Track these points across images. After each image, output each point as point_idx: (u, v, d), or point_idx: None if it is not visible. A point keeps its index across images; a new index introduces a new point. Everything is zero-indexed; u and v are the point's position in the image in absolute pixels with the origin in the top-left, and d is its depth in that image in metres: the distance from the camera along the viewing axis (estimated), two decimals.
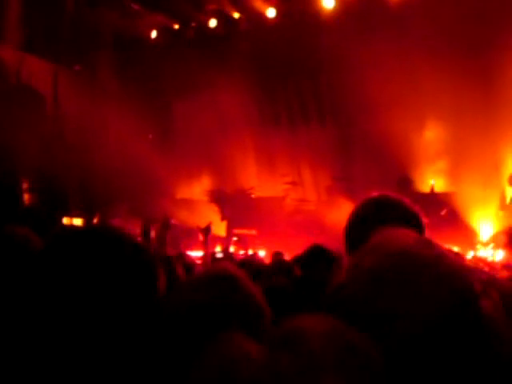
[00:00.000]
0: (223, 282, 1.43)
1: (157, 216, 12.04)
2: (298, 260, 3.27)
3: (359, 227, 1.78)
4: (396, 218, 1.74)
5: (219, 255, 6.82)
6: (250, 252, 10.81)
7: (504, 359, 0.96)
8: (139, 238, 11.24)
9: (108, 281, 1.27)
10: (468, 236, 9.93)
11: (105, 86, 13.46)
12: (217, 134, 14.65)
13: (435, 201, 10.73)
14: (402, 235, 0.96)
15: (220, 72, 13.89)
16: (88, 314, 1.25)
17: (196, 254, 11.26)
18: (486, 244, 9.59)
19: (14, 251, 2.03)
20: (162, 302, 1.44)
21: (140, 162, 12.36)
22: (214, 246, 11.56)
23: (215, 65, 13.91)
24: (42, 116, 13.11)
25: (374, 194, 1.98)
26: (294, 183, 12.68)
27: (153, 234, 10.91)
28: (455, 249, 9.36)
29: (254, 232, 12.24)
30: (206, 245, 6.91)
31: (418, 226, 1.80)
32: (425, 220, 1.84)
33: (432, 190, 11.21)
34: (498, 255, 8.83)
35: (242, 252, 11.57)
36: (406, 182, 11.50)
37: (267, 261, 7.42)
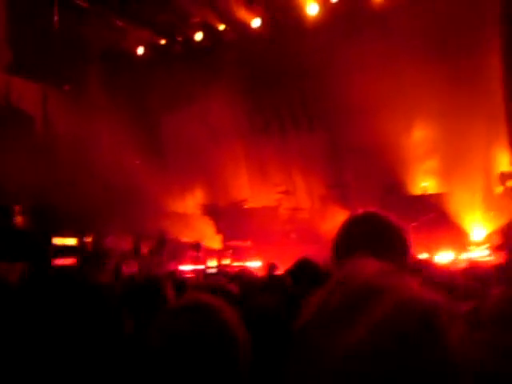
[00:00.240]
0: (195, 313, 1.44)
1: (150, 232, 12.01)
2: (288, 273, 3.26)
3: (345, 246, 1.79)
4: (380, 235, 1.74)
5: (212, 270, 6.78)
6: (247, 264, 10.78)
7: None
8: (131, 255, 11.25)
9: (69, 322, 1.40)
10: (460, 237, 9.94)
11: (94, 103, 13.46)
12: (207, 145, 14.65)
13: (427, 203, 10.74)
14: (369, 270, 0.94)
15: (208, 84, 13.94)
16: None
17: (190, 268, 11.24)
18: (479, 245, 9.59)
19: None
20: (140, 333, 1.46)
21: (131, 178, 12.34)
22: (208, 260, 11.53)
23: (203, 77, 13.95)
24: (32, 137, 13.09)
25: (360, 210, 1.99)
26: (286, 192, 12.67)
27: (145, 250, 10.88)
28: (447, 252, 9.40)
29: (248, 243, 12.21)
30: (196, 261, 6.87)
31: (403, 244, 1.80)
32: (410, 237, 1.83)
33: (424, 192, 11.23)
34: (492, 255, 8.84)
35: (237, 264, 11.55)
36: (397, 186, 11.51)
37: (262, 272, 7.41)
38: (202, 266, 10.27)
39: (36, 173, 11.47)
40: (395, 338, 0.80)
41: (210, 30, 12.90)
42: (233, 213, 12.82)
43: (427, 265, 2.63)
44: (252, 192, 14.03)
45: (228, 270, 8.96)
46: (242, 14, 12.77)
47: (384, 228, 1.75)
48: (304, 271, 2.83)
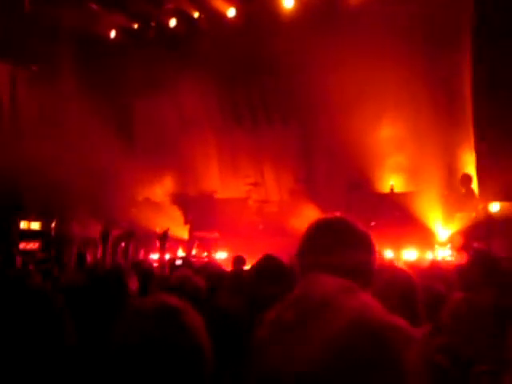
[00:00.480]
0: (161, 318, 1.43)
1: (117, 219, 11.89)
2: (252, 271, 3.25)
3: (310, 251, 1.78)
4: (345, 241, 1.74)
5: (178, 262, 6.76)
6: (213, 254, 10.77)
7: None
8: (96, 242, 11.13)
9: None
10: (426, 236, 10.08)
11: (64, 85, 13.21)
12: (178, 134, 14.55)
13: (394, 201, 10.87)
14: (326, 288, 0.94)
15: (181, 72, 13.80)
16: None
17: (157, 257, 11.17)
18: (443, 245, 9.75)
19: None
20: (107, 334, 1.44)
21: (100, 163, 12.18)
22: (175, 250, 11.47)
23: (176, 64, 13.81)
24: None
25: (327, 214, 1.98)
26: (256, 184, 12.67)
27: (111, 238, 10.75)
28: (412, 251, 9.54)
29: (216, 234, 12.19)
30: (163, 251, 6.83)
31: (368, 250, 1.79)
32: (374, 243, 1.83)
33: (391, 190, 11.36)
34: (454, 256, 9.00)
35: (205, 254, 11.53)
36: (365, 183, 11.62)
37: (229, 263, 7.39)
38: (168, 256, 10.19)
39: (2, 155, 11.24)
40: (347, 357, 0.80)
41: (184, 17, 12.74)
42: (202, 203, 12.78)
43: (391, 268, 2.65)
44: (222, 183, 14.01)
45: (195, 261, 8.91)
46: (217, 2, 12.65)
47: (350, 234, 1.75)
48: (267, 270, 2.83)
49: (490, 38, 9.16)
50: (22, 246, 11.22)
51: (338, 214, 1.90)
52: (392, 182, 11.55)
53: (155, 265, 8.29)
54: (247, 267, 6.47)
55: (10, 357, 1.45)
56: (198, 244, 11.99)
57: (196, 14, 12.52)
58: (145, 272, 5.04)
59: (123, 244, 10.33)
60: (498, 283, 3.41)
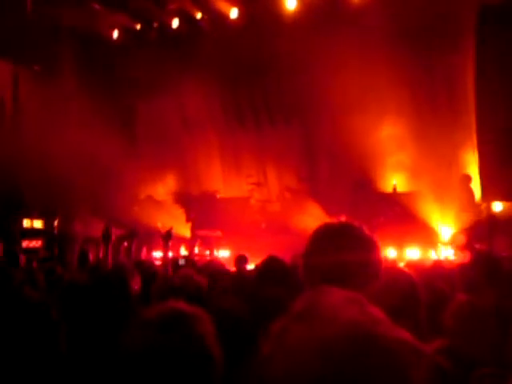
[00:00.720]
0: (172, 327, 1.41)
1: (120, 218, 11.91)
2: (255, 272, 3.26)
3: (315, 254, 1.77)
4: (351, 245, 1.74)
5: (181, 262, 6.77)
6: (216, 253, 10.78)
7: None
8: (98, 241, 11.15)
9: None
10: (429, 236, 10.08)
11: (66, 86, 13.22)
12: (181, 134, 14.55)
13: (397, 201, 10.87)
14: (333, 301, 0.93)
15: (183, 72, 13.79)
16: None
17: (160, 255, 11.19)
18: (446, 244, 9.75)
19: None
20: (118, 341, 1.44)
21: (103, 162, 12.18)
22: (178, 248, 11.49)
23: (178, 65, 13.80)
24: (1, 117, 12.83)
25: (331, 220, 1.98)
26: (258, 184, 12.67)
27: (114, 236, 10.79)
28: (414, 250, 9.54)
29: (218, 233, 12.20)
30: (166, 250, 6.81)
31: (374, 253, 1.79)
32: (380, 246, 1.83)
33: (394, 189, 11.35)
34: (457, 255, 9.00)
35: (207, 253, 11.55)
36: (368, 182, 11.61)
37: (231, 262, 7.40)
38: (171, 255, 10.21)
39: (4, 153, 11.26)
40: (355, 373, 0.80)
41: (186, 18, 12.73)
42: (204, 202, 12.78)
43: (392, 269, 2.65)
44: (224, 182, 14.01)
45: (197, 259, 8.92)
46: (220, 3, 12.63)
47: (356, 238, 1.75)
48: (270, 271, 2.83)
49: (492, 37, 9.14)
50: (24, 244, 11.25)
51: (343, 218, 1.91)
52: (395, 181, 11.55)
53: (158, 263, 8.31)
54: (250, 266, 6.49)
55: (4, 367, 1.45)
56: (200, 242, 12.01)
57: (199, 15, 12.50)
58: (148, 271, 5.05)
59: (126, 243, 10.35)
60: (500, 284, 3.41)
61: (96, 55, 13.07)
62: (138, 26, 13.23)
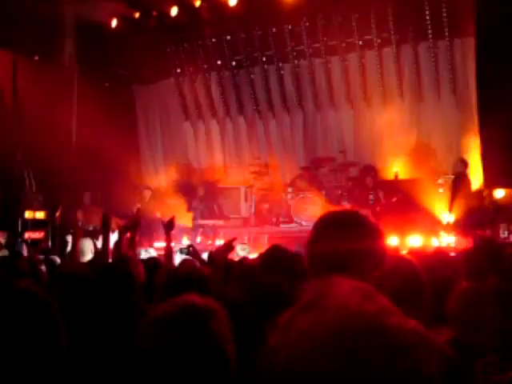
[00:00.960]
0: (188, 323, 1.40)
1: (122, 208, 11.91)
2: (259, 261, 3.25)
3: (320, 243, 1.76)
4: (356, 233, 1.72)
5: (184, 251, 6.74)
6: (218, 243, 10.76)
7: None
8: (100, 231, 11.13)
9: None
10: (431, 223, 10.07)
11: (65, 75, 13.16)
12: (181, 122, 14.53)
13: (399, 188, 10.85)
14: (341, 291, 0.91)
15: (183, 61, 13.76)
16: None
17: (162, 245, 11.18)
18: (448, 231, 9.74)
19: None
20: (132, 334, 1.42)
21: (104, 152, 12.17)
22: (180, 238, 11.48)
23: (178, 53, 13.76)
24: (0, 107, 12.79)
25: (337, 209, 1.97)
26: (260, 172, 12.64)
27: (116, 227, 10.72)
28: (416, 237, 9.53)
29: (221, 222, 12.20)
30: (169, 240, 6.76)
31: (379, 240, 1.78)
32: (384, 233, 1.82)
33: (396, 176, 11.32)
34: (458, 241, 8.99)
35: (209, 242, 11.53)
36: (370, 170, 11.58)
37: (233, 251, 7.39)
38: (174, 245, 10.17)
39: (4, 144, 11.25)
40: (365, 363, 0.79)
41: (185, 6, 12.64)
42: (206, 191, 12.76)
43: (394, 256, 2.64)
44: (225, 171, 14.00)
45: (200, 249, 8.91)
46: None
47: (361, 226, 1.73)
48: (275, 260, 2.82)
49: (495, 22, 9.07)
50: (27, 235, 11.26)
51: (348, 206, 1.91)
52: (396, 168, 11.52)
53: (160, 253, 8.30)
54: (252, 255, 6.50)
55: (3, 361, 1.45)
56: (202, 232, 12.00)
57: (198, 3, 12.40)
58: (151, 262, 5.06)
59: (129, 234, 10.31)
60: (503, 270, 3.40)
61: (95, 44, 13.00)
62: (137, 15, 13.14)
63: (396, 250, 5.34)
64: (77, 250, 9.82)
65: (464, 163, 10.20)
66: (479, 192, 10.10)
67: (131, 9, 13.08)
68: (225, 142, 14.20)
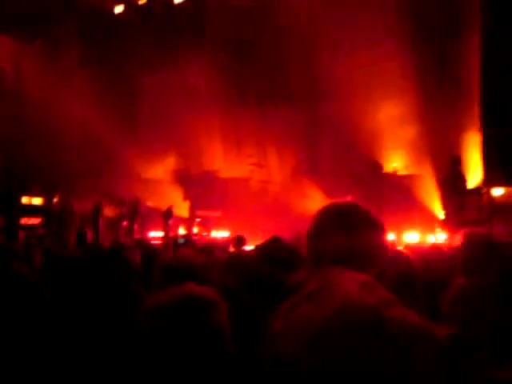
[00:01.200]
0: (185, 315, 1.39)
1: (120, 196, 11.91)
2: (257, 252, 3.25)
3: (320, 235, 1.74)
4: (356, 226, 1.70)
5: (181, 241, 6.76)
6: (214, 234, 10.77)
7: None
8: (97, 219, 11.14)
9: None
10: (428, 219, 10.09)
11: (67, 60, 13.12)
12: (183, 113, 14.47)
13: (397, 183, 10.86)
14: (343, 282, 0.91)
15: (187, 49, 13.69)
16: None
17: (159, 234, 11.18)
18: (443, 227, 9.76)
19: None
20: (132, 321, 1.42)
21: (103, 140, 12.14)
22: (177, 228, 11.48)
23: (181, 41, 13.69)
24: (1, 92, 12.76)
25: (337, 200, 1.94)
26: (259, 164, 12.63)
27: (113, 215, 10.74)
28: (413, 233, 9.55)
29: (218, 213, 12.19)
30: (167, 229, 6.77)
31: (379, 234, 1.77)
32: (385, 227, 1.81)
33: (395, 172, 11.33)
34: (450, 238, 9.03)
35: (205, 234, 11.54)
36: (369, 165, 11.58)
37: (230, 244, 7.41)
38: (171, 234, 10.20)
39: (5, 129, 11.23)
40: (367, 353, 0.79)
41: None
42: (204, 181, 12.75)
43: (391, 250, 2.64)
44: (225, 162, 13.97)
45: (196, 239, 8.93)
46: None
47: (361, 218, 1.72)
48: (274, 252, 2.82)
49: (499, 19, 9.05)
50: (23, 221, 11.25)
51: (349, 198, 1.89)
52: (396, 164, 11.52)
53: (156, 243, 8.31)
54: (249, 247, 6.48)
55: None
56: (199, 222, 12.00)
57: None
58: (148, 250, 5.07)
59: (125, 222, 10.33)
60: (499, 268, 3.40)
61: (98, 30, 12.95)
62: (142, 1, 13.09)
63: (392, 244, 5.35)
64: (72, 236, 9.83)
65: (456, 161, 10.24)
66: (476, 190, 10.12)
67: None
68: (225, 132, 14.16)
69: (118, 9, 13.82)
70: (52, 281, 3.07)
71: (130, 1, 13.26)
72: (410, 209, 10.24)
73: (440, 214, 10.08)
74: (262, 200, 12.38)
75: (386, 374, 0.81)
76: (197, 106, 14.19)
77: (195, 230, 11.81)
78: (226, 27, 13.11)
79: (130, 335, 1.44)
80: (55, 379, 1.69)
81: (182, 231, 11.49)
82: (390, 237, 8.69)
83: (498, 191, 9.75)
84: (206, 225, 11.94)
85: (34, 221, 11.46)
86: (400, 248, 3.90)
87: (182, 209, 12.07)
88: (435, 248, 5.45)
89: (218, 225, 11.78)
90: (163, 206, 11.57)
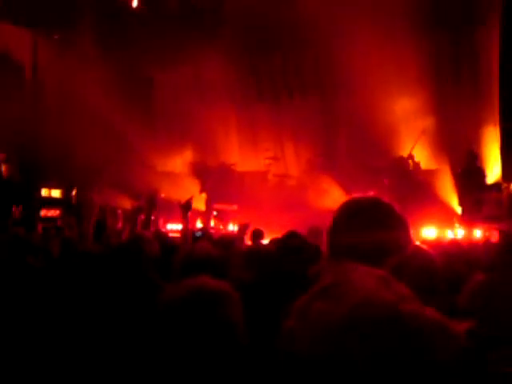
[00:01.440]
0: (200, 307, 1.39)
1: (138, 189, 11.99)
2: (275, 246, 3.26)
3: (342, 230, 1.72)
4: (379, 221, 1.69)
5: (198, 234, 6.80)
6: (231, 227, 10.79)
7: None
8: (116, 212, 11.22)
9: None
10: (446, 215, 10.01)
11: (84, 55, 13.19)
12: (199, 106, 14.49)
13: (416, 178, 10.78)
14: (358, 277, 0.91)
15: (202, 43, 13.68)
16: None
17: (177, 226, 11.23)
18: (462, 223, 9.68)
19: None
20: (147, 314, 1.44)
21: (121, 133, 12.21)
22: (194, 221, 11.53)
23: (198, 37, 13.69)
24: (20, 85, 12.87)
25: (358, 195, 1.92)
26: (275, 158, 12.62)
27: (131, 208, 10.79)
28: (431, 228, 9.48)
29: (234, 207, 12.20)
30: (186, 221, 6.82)
31: (403, 229, 1.75)
32: (409, 223, 1.79)
33: (414, 167, 11.24)
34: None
35: (222, 227, 11.58)
36: (388, 160, 11.50)
37: (247, 236, 7.44)
38: (188, 227, 10.23)
39: (23, 123, 11.33)
40: (383, 350, 0.79)
41: None
42: (221, 175, 12.76)
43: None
44: (241, 156, 13.98)
45: (213, 232, 8.95)
46: None
47: (384, 214, 1.70)
48: (291, 247, 2.83)
49: None
50: (43, 213, 11.37)
51: (372, 193, 1.87)
52: (415, 159, 11.42)
53: (174, 235, 8.35)
54: (265, 241, 6.50)
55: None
56: (216, 216, 12.03)
57: None
58: (167, 242, 5.10)
59: (143, 216, 10.39)
60: None
61: (115, 24, 13.00)
62: None
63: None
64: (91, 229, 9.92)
65: (474, 156, 10.15)
66: (495, 185, 10.02)
67: None
68: (241, 126, 14.17)
69: (135, 2, 13.85)
70: (71, 272, 3.11)
71: None
72: (428, 204, 10.16)
73: (458, 209, 9.99)
74: (279, 194, 12.37)
75: (402, 370, 0.80)
76: (213, 99, 14.20)
77: (212, 223, 11.85)
78: (241, 21, 13.09)
79: (148, 326, 1.46)
80: (73, 368, 1.71)
81: (199, 224, 11.54)
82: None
83: None
84: (223, 218, 11.97)
85: (54, 213, 11.58)
86: (418, 243, 3.89)
87: (199, 202, 12.10)
88: (454, 244, 5.42)
89: (235, 218, 11.79)
90: (180, 199, 11.62)
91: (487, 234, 8.32)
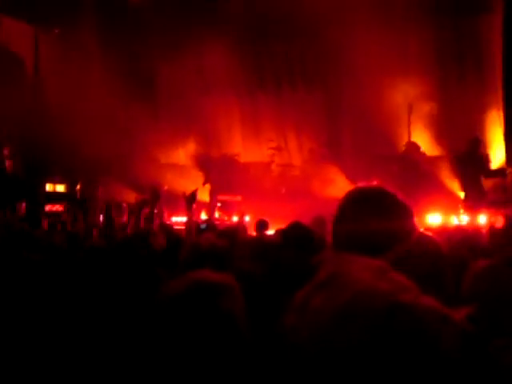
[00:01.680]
0: (200, 302, 1.40)
1: (142, 182, 12.00)
2: (280, 237, 3.26)
3: (347, 220, 1.72)
4: (384, 210, 1.68)
5: (203, 226, 6.82)
6: (235, 218, 10.79)
7: None
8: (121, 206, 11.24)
9: None
10: (452, 201, 10.00)
11: (86, 48, 13.18)
12: (202, 98, 14.47)
13: (419, 165, 10.77)
14: (356, 269, 0.91)
15: (205, 35, 13.64)
16: None
17: (181, 219, 11.24)
18: (467, 209, 9.68)
19: None
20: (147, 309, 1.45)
21: (124, 127, 12.21)
22: (199, 213, 11.53)
23: (200, 27, 13.64)
24: (22, 80, 12.87)
25: (363, 184, 1.92)
26: (279, 148, 12.61)
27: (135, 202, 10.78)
28: (436, 215, 9.47)
29: (238, 198, 12.21)
30: (190, 213, 6.81)
31: (407, 218, 1.74)
32: (414, 212, 1.79)
33: (419, 154, 11.22)
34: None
35: (226, 218, 11.58)
36: (390, 147, 11.50)
37: (251, 227, 7.45)
38: (194, 219, 10.22)
39: (26, 117, 11.35)
40: (384, 345, 0.80)
41: None
42: (224, 166, 12.77)
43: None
44: (244, 146, 13.97)
45: (218, 224, 8.96)
46: None
47: (389, 203, 1.70)
48: (296, 237, 2.83)
49: None
50: (47, 208, 11.40)
51: (375, 182, 1.86)
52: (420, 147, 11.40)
53: (178, 228, 8.35)
54: (270, 231, 6.51)
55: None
56: (220, 207, 12.04)
57: None
58: (172, 235, 5.11)
59: (147, 209, 10.38)
60: None
61: (116, 17, 12.97)
62: None
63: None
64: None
65: (478, 141, 10.13)
66: (500, 170, 10.00)
67: None
68: (244, 116, 14.15)
69: None
70: (77, 267, 3.14)
71: None
72: (432, 190, 10.15)
73: (462, 195, 9.98)
74: (283, 184, 12.38)
75: (402, 360, 0.81)
76: (216, 90, 14.18)
77: (216, 214, 11.86)
78: (243, 11, 13.04)
79: (151, 320, 1.47)
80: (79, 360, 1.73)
81: (203, 216, 11.55)
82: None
83: None
84: (227, 209, 11.98)
85: (58, 207, 11.61)
86: (423, 230, 3.88)
87: (203, 194, 12.11)
88: (459, 230, 5.42)
89: (239, 209, 11.80)
90: (184, 191, 11.61)
91: (492, 219, 8.29)
